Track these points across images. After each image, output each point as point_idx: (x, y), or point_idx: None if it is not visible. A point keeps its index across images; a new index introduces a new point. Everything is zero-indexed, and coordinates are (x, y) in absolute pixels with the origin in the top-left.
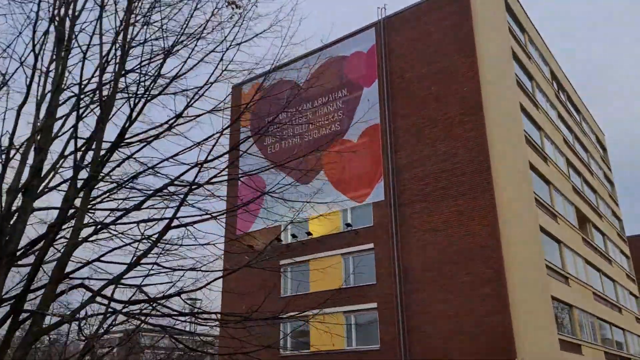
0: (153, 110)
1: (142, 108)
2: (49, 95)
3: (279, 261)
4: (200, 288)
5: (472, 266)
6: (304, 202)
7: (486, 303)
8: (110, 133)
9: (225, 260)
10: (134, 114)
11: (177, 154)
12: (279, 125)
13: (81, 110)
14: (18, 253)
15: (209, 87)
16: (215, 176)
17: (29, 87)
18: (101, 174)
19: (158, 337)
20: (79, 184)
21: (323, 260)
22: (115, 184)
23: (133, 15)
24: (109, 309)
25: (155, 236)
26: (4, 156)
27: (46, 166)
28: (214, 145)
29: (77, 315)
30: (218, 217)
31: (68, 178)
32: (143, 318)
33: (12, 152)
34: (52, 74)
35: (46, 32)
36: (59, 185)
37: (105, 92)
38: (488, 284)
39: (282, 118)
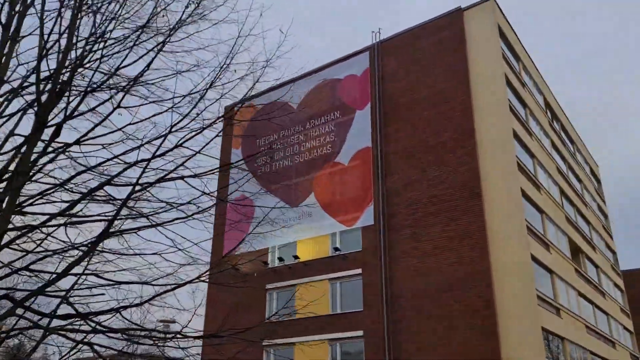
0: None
1: (79, 103)
2: None
3: (265, 285)
4: (141, 304)
5: (462, 294)
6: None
7: (475, 333)
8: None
9: (211, 278)
10: (69, 110)
11: (121, 155)
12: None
13: (22, 106)
14: None
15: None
16: (162, 179)
17: None
18: (39, 173)
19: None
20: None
21: (310, 285)
22: (51, 185)
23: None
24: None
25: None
26: None
27: None
28: (160, 144)
29: None
30: (165, 225)
31: None
32: (72, 335)
33: None
34: None
35: None
36: None
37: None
38: (477, 313)
39: (273, 140)
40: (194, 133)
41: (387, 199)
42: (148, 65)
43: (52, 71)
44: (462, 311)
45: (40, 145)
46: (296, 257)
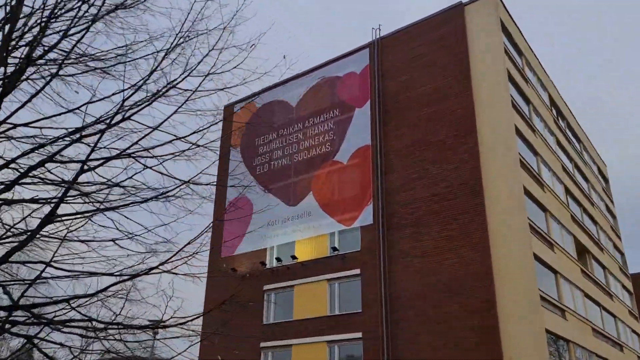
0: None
1: (18, 78)
2: None
3: (263, 286)
4: (95, 294)
5: (462, 295)
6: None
7: (476, 334)
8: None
9: (209, 281)
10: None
11: (70, 134)
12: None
13: None
14: None
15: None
16: (110, 158)
17: None
18: None
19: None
20: None
21: (308, 286)
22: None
23: None
24: None
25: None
26: None
27: None
28: (111, 119)
29: None
30: (121, 209)
31: None
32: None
33: None
34: None
35: None
36: None
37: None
38: (478, 314)
39: (272, 139)
40: (143, 105)
41: (387, 198)
42: (85, 31)
43: None
44: (462, 312)
45: None
46: (294, 257)
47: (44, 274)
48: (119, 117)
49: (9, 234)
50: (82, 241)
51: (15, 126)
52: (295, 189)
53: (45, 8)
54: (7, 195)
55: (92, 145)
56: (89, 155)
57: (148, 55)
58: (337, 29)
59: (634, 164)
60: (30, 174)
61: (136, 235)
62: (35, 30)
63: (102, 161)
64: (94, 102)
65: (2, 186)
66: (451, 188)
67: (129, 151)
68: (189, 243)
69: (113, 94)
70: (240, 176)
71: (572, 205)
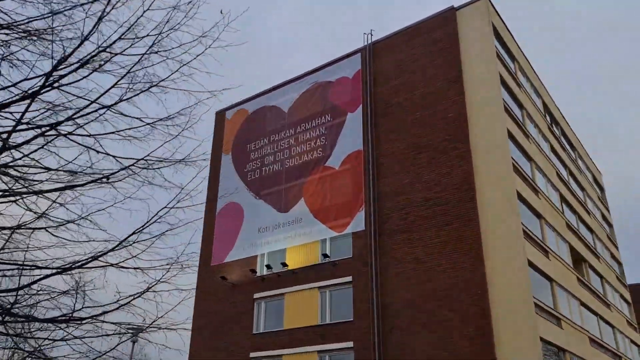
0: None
1: None
2: None
3: (253, 294)
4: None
5: (456, 302)
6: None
7: (470, 342)
8: None
9: (200, 287)
10: None
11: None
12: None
13: None
14: None
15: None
16: (32, 139)
17: None
18: None
19: None
20: None
21: (299, 294)
22: None
23: None
24: None
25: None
26: None
27: None
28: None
29: None
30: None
31: None
32: None
33: None
34: None
35: None
36: None
37: None
38: (472, 322)
39: (264, 145)
40: (70, 71)
41: (379, 203)
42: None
43: None
44: (456, 320)
45: None
46: (284, 264)
47: None
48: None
49: None
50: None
51: None
52: (287, 195)
53: None
54: None
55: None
56: (12, 131)
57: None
58: (328, 38)
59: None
60: None
61: (69, 223)
62: None
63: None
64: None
65: None
66: (444, 193)
67: (64, 130)
68: (133, 233)
69: (59, 62)
70: (231, 182)
71: (567, 212)
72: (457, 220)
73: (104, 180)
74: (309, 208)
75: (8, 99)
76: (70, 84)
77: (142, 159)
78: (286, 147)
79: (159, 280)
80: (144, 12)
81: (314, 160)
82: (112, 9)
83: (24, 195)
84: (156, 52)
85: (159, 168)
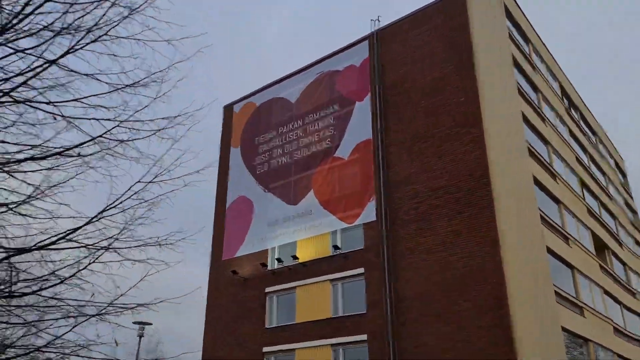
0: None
1: None
2: None
3: (264, 288)
4: None
5: (472, 292)
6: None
7: (487, 334)
8: None
9: (212, 282)
10: None
11: None
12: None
13: None
14: None
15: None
16: None
17: None
18: None
19: None
20: None
21: (311, 287)
22: None
23: None
24: None
25: None
26: None
27: None
28: None
29: None
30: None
31: None
32: None
33: None
34: None
35: None
36: None
37: None
38: (489, 313)
39: (272, 137)
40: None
41: (389, 193)
42: None
43: None
44: (472, 311)
45: None
46: (295, 257)
47: None
48: None
49: None
50: None
51: None
52: (296, 187)
53: None
54: None
55: None
56: None
57: None
58: (335, 27)
59: None
60: None
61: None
62: None
63: None
64: None
65: None
66: (456, 180)
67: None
68: (104, 210)
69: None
70: (240, 176)
71: (588, 198)
72: (471, 207)
73: (73, 153)
74: (319, 199)
75: None
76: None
77: (111, 129)
78: (294, 139)
79: (104, 248)
80: None
81: (322, 151)
82: None
83: None
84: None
85: (132, 140)
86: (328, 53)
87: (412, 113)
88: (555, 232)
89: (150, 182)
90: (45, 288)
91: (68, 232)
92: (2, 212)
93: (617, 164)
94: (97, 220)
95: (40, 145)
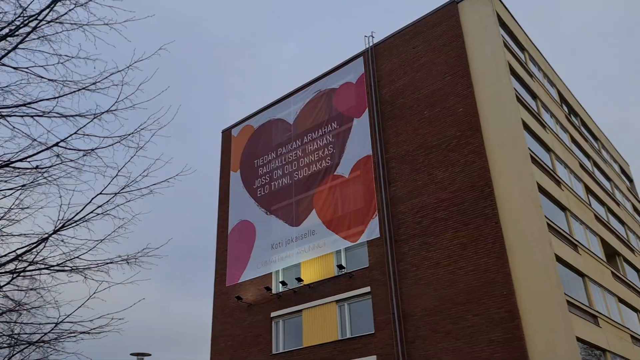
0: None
1: None
2: None
3: (270, 313)
4: None
5: (481, 306)
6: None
7: (500, 348)
8: None
9: (216, 309)
10: None
11: None
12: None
13: None
14: None
15: None
16: None
17: None
18: None
19: None
20: None
21: (317, 310)
22: None
23: None
24: None
25: None
26: None
27: None
28: None
29: None
30: None
31: None
32: None
33: None
34: None
35: None
36: None
37: None
38: (500, 326)
39: (271, 159)
40: None
41: (392, 209)
42: None
43: None
44: (482, 325)
45: None
46: (299, 279)
47: None
48: None
49: None
50: None
51: None
52: (298, 208)
53: None
54: None
55: None
56: None
57: None
58: (328, 42)
59: None
60: None
61: None
62: None
63: None
64: None
65: None
66: (459, 192)
67: None
68: (62, 227)
69: None
70: (241, 200)
71: (595, 204)
72: (476, 219)
73: (30, 165)
74: (321, 219)
75: None
76: None
77: (67, 138)
78: (294, 159)
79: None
80: None
81: (322, 170)
82: None
83: None
84: None
85: (94, 150)
86: (324, 72)
87: (411, 126)
88: (563, 239)
89: (117, 193)
90: None
91: (19, 252)
92: None
93: (622, 169)
94: (48, 239)
95: None
